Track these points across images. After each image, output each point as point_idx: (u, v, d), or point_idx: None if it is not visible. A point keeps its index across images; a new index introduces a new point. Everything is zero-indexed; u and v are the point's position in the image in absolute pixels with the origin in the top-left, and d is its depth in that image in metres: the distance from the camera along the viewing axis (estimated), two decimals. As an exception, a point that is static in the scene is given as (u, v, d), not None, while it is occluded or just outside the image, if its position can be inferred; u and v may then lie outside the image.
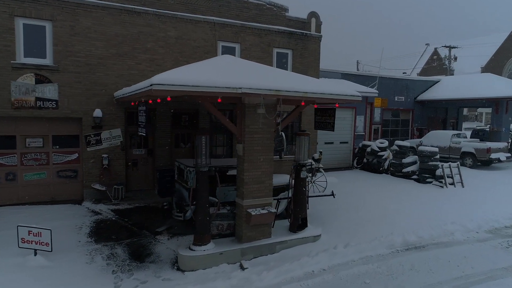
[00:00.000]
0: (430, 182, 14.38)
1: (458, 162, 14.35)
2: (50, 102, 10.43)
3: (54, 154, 10.86)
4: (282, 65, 14.01)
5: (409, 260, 7.61)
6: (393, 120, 23.28)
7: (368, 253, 7.85)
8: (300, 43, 14.20)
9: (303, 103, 8.03)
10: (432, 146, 19.68)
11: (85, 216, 9.83)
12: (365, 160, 17.62)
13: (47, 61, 10.39)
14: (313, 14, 14.41)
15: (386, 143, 16.82)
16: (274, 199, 8.99)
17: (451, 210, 10.86)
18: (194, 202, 7.51)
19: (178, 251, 7.24)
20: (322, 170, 12.51)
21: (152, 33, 11.56)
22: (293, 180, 8.70)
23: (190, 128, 12.76)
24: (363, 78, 20.13)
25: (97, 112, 10.84)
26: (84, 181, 11.01)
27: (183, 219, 8.72)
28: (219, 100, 6.96)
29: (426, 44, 53.91)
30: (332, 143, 17.81)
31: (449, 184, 13.77)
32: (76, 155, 11.10)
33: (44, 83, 10.32)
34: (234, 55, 13.00)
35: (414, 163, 15.28)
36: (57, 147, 10.89)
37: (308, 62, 14.47)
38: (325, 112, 9.57)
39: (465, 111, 51.06)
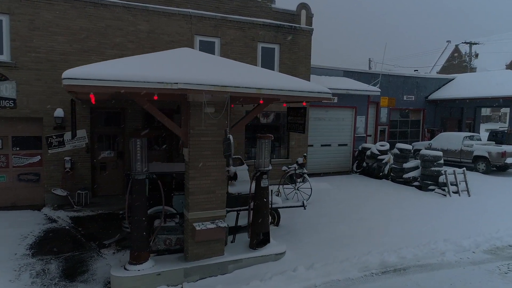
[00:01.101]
0: (433, 190, 12.97)
1: (464, 168, 12.86)
2: (8, 101, 9.78)
3: (14, 157, 10.21)
4: (268, 61, 12.96)
5: (383, 287, 6.43)
6: (402, 121, 21.77)
7: (335, 276, 6.70)
8: (288, 37, 13.10)
9: (261, 101, 6.97)
10: (441, 150, 18.19)
11: (39, 224, 9.11)
12: (364, 164, 16.31)
13: (4, 57, 9.74)
14: (303, 6, 13.27)
15: (387, 146, 15.45)
16: (231, 211, 7.99)
17: (448, 223, 9.53)
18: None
19: (110, 271, 6.34)
20: (307, 176, 11.38)
21: (121, 27, 10.76)
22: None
23: (164, 129, 11.87)
24: (367, 76, 18.79)
25: (59, 112, 10.13)
26: (46, 186, 10.32)
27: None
28: (155, 97, 6.04)
29: (447, 41, 51.34)
30: (329, 145, 16.57)
31: (453, 192, 12.33)
32: (39, 157, 10.43)
33: (1, 81, 9.68)
34: (214, 51, 12.07)
35: (416, 168, 13.88)
36: (17, 148, 10.24)
37: (297, 58, 13.35)
38: (297, 112, 8.49)
39: (488, 111, 48.27)
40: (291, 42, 13.14)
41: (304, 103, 7.54)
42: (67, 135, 10.35)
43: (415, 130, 22.33)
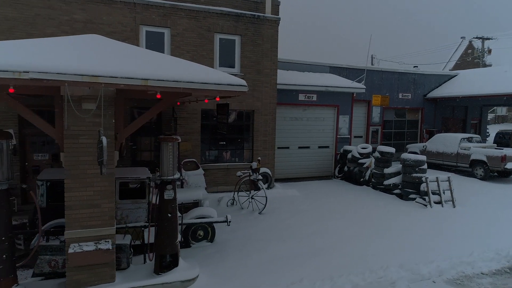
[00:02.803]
0: (414, 199, 11.42)
1: (450, 176, 11.25)
2: None
3: None
4: (227, 54, 11.69)
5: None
6: (397, 121, 20.09)
7: (243, 313, 5.41)
8: (251, 28, 11.79)
9: (158, 96, 5.72)
10: (437, 153, 16.49)
11: None
12: (346, 168, 14.82)
13: None
14: (269, -7, 11.95)
15: (369, 149, 13.93)
16: (131, 227, 6.78)
17: (415, 241, 8.04)
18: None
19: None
20: (261, 183, 10.05)
21: (53, 16, 9.72)
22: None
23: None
24: (356, 72, 17.24)
25: (-21, 110, 9.15)
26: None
27: (23, 248, 6.74)
28: (10, 90, 4.92)
29: (461, 38, 48.67)
30: (307, 147, 15.15)
31: (436, 202, 10.76)
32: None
33: None
34: (163, 43, 10.90)
35: (397, 174, 12.33)
36: None
37: (262, 51, 12.02)
38: (221, 110, 7.21)
39: (504, 110, 45.47)
40: (254, 33, 11.83)
41: (217, 98, 6.25)
42: (-9, 136, 9.35)
43: (412, 131, 20.58)
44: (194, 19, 11.06)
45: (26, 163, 10.04)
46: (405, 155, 11.76)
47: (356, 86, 15.27)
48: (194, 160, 11.44)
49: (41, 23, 9.61)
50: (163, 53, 10.91)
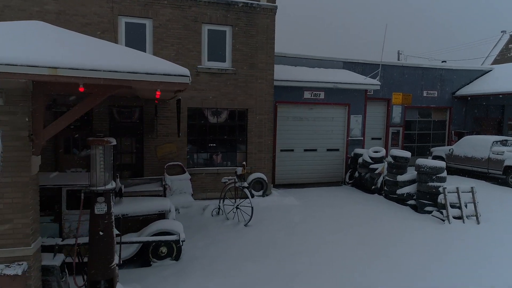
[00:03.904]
0: (430, 212, 9.81)
1: (473, 186, 9.52)
2: None
3: None
4: (217, 46, 10.58)
5: None
6: (421, 121, 18.20)
7: None
8: (243, 17, 10.62)
9: (81, 89, 4.68)
10: (465, 157, 14.58)
11: None
12: (356, 174, 13.30)
13: None
14: (264, -22, 10.73)
15: (381, 153, 12.35)
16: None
17: (415, 271, 6.53)
18: None
19: None
20: (247, 191, 8.84)
21: (22, 7, 9.02)
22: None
23: (83, 129, 9.96)
24: (373, 67, 15.63)
25: None
26: None
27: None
28: None
29: (501, 32, 44.92)
30: (314, 150, 13.76)
31: (455, 217, 9.11)
32: None
33: None
34: (145, 34, 9.97)
35: (412, 182, 10.71)
36: None
37: (256, 43, 10.81)
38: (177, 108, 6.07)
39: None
40: (247, 23, 10.65)
41: (157, 94, 5.13)
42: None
43: (439, 133, 18.58)
44: (179, 9, 10.04)
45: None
46: (420, 161, 10.15)
47: (369, 82, 13.69)
48: (179, 163, 10.43)
49: (9, 14, 8.93)
50: (145, 46, 9.99)
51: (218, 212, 9.62)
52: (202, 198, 10.60)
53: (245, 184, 8.87)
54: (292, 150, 13.51)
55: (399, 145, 17.43)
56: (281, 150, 13.32)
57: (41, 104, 4.93)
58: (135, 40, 9.86)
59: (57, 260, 5.36)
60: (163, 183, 10.03)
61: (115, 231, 5.31)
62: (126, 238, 6.81)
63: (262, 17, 10.74)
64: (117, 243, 5.57)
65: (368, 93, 14.82)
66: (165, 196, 10.03)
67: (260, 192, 11.08)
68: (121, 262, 5.33)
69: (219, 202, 9.65)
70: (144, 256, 6.76)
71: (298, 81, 12.75)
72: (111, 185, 5.15)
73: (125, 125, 10.14)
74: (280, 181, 13.31)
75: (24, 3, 9.02)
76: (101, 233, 5.09)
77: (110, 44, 5.19)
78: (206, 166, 10.91)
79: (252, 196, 10.94)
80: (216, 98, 10.65)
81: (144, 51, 9.98)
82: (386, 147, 16.88)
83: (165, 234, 6.83)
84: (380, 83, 13.95)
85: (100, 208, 5.08)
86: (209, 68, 10.46)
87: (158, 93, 5.16)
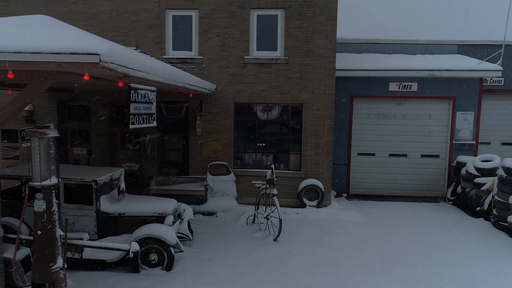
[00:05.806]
0: (553, 256, 6.47)
1: None
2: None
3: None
4: (267, 33, 9.36)
5: None
6: None
7: None
8: (298, -3, 9.12)
9: (10, 75, 4.26)
10: None
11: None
12: (459, 189, 10.10)
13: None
14: None
15: (495, 162, 9.00)
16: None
17: None
18: None
19: None
20: (276, 199, 7.38)
21: (83, 11, 9.67)
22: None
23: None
24: (488, 50, 11.77)
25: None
26: (18, 180, 10.25)
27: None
28: None
29: None
30: (404, 155, 11.07)
31: None
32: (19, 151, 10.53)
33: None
34: (191, 26, 9.53)
35: (530, 207, 7.34)
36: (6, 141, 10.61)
37: (313, 26, 9.14)
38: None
39: None
40: (302, 3, 9.09)
41: (86, 77, 4.33)
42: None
43: None
44: (225, -5, 9.25)
45: (66, 157, 10.37)
46: (540, 177, 6.84)
47: (485, 67, 10.22)
48: (224, 163, 9.64)
49: (73, 18, 9.68)
50: (191, 39, 9.56)
51: (254, 220, 8.44)
52: (247, 203, 9.55)
53: (274, 191, 7.45)
54: (373, 155, 11.16)
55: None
56: (358, 154, 11.15)
57: None
58: (182, 34, 9.54)
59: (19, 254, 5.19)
60: (205, 183, 9.43)
61: (59, 232, 4.82)
62: (119, 239, 6.39)
63: (321, -6, 9.02)
64: (65, 244, 5.03)
65: (486, 84, 11.15)
66: (205, 197, 9.42)
67: (315, 202, 9.36)
68: (65, 266, 4.82)
69: (255, 209, 8.46)
70: (134, 262, 6.18)
71: (378, 70, 10.42)
72: (50, 181, 4.66)
73: (172, 121, 9.92)
74: (355, 191, 11.17)
75: (84, 7, 9.64)
76: (39, 232, 4.66)
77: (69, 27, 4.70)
78: (254, 167, 9.81)
79: (304, 206, 9.34)
80: (266, 91, 9.45)
81: (191, 43, 9.57)
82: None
83: (153, 240, 6.12)
84: (502, 68, 10.27)
85: (38, 205, 4.64)
86: (257, 59, 9.33)
87: (86, 77, 4.43)
